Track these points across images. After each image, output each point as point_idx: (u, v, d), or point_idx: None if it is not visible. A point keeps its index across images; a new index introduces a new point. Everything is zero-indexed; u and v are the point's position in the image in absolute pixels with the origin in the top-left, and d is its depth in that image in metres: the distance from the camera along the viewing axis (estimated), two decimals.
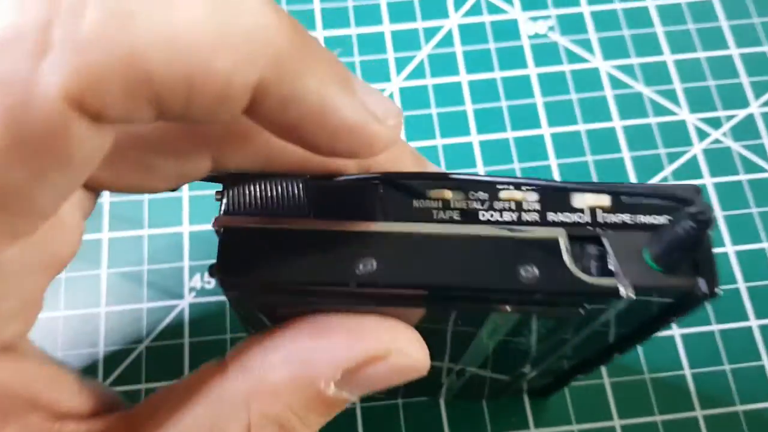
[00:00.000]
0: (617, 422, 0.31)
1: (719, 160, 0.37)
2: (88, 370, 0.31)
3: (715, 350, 0.33)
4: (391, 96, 0.38)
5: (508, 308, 0.17)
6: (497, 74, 0.39)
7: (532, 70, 0.39)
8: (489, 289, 0.16)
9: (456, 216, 0.17)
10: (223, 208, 0.17)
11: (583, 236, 0.17)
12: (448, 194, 0.17)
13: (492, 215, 0.17)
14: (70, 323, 0.32)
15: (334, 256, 0.16)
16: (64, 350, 0.32)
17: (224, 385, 0.17)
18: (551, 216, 0.17)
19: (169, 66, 0.12)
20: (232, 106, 0.13)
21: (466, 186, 0.18)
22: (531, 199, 0.17)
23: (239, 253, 0.16)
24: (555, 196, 0.17)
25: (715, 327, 0.33)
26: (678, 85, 0.39)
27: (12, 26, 0.11)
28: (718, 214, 0.35)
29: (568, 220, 0.17)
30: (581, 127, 0.37)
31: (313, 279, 0.16)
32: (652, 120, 0.38)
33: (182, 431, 0.17)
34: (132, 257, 0.34)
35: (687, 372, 0.32)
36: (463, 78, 0.39)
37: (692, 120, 0.38)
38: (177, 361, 0.31)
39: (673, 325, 0.33)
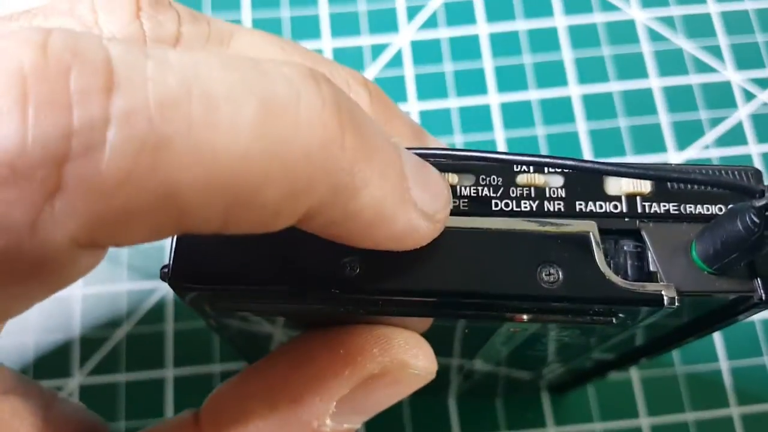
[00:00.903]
0: (644, 420, 0.28)
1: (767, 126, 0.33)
2: (62, 358, 0.29)
3: (755, 340, 0.30)
4: (399, 52, 0.34)
5: (524, 318, 0.14)
6: (520, 25, 0.35)
7: (560, 21, 0.35)
8: (501, 296, 0.14)
9: (463, 205, 0.15)
10: None
11: (618, 230, 0.14)
12: (454, 178, 0.15)
13: (507, 204, 0.15)
14: (44, 305, 0.29)
15: (312, 256, 0.14)
16: (36, 334, 0.29)
17: None
18: (580, 205, 0.15)
19: (207, 202, 0.10)
20: (269, 230, 0.11)
21: (476, 168, 0.15)
22: (555, 184, 0.15)
23: (199, 251, 0.14)
24: (584, 181, 0.15)
25: (755, 316, 0.30)
26: (723, 41, 0.34)
27: (14, 155, 0.09)
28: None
29: (600, 210, 0.14)
30: (614, 87, 0.33)
31: (287, 284, 0.14)
32: (693, 79, 0.34)
33: None
34: None
35: (723, 365, 0.29)
36: (482, 29, 0.35)
37: (738, 80, 0.34)
38: (159, 350, 0.28)
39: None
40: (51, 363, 0.29)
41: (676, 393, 0.29)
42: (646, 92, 0.33)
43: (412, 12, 0.35)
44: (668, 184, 0.15)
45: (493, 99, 0.33)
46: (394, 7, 0.35)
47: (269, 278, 0.14)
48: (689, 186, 0.15)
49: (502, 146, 0.32)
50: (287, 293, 0.14)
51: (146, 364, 0.28)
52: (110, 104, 0.09)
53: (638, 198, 0.15)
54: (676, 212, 0.14)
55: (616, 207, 0.14)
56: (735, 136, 0.33)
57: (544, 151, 0.32)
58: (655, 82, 0.34)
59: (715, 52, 0.34)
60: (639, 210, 0.14)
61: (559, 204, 0.15)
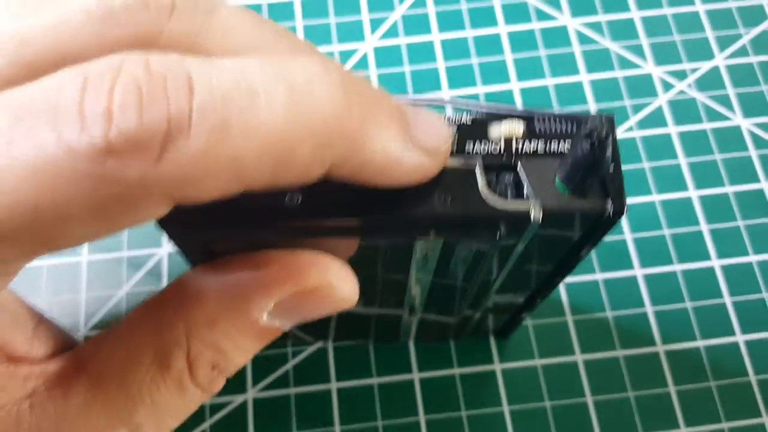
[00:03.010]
0: (579, 357, 0.32)
1: (684, 110, 0.38)
2: (70, 316, 0.33)
3: (677, 288, 0.34)
4: (365, 57, 0.39)
5: (430, 236, 0.18)
6: (468, 33, 0.40)
7: (502, 29, 0.40)
8: (407, 217, 0.17)
9: None
10: None
11: (498, 165, 0.17)
12: None
13: None
14: (53, 271, 0.34)
15: (263, 196, 0.16)
16: (47, 296, 0.33)
17: (164, 316, 0.18)
18: (469, 146, 0.18)
19: (259, 162, 0.13)
20: (308, 180, 0.15)
21: None
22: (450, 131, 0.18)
23: None
24: (472, 128, 0.18)
25: (677, 267, 0.34)
26: (644, 41, 0.40)
27: (137, 129, 0.12)
28: (683, 161, 0.36)
29: (484, 150, 0.18)
30: (549, 82, 0.38)
31: (241, 212, 0.17)
32: (618, 73, 0.39)
33: (126, 359, 0.17)
34: None
35: (648, 309, 0.33)
36: (435, 37, 0.40)
37: (658, 73, 0.39)
38: None
39: (635, 265, 0.34)
40: (59, 320, 0.33)
41: (607, 334, 0.33)
42: (577, 85, 0.38)
43: (375, 23, 0.40)
44: (536, 128, 0.18)
45: (446, 94, 0.38)
46: (361, 19, 0.40)
47: (230, 217, 0.17)
48: (553, 129, 0.18)
49: None
50: (245, 226, 0.17)
51: None
52: (192, 100, 0.13)
53: (514, 139, 0.18)
54: (544, 150, 0.17)
55: (496, 148, 0.18)
56: (655, 120, 0.37)
57: None
58: (585, 77, 0.39)
59: (638, 50, 0.39)
60: (514, 149, 0.18)
61: (453, 146, 0.18)
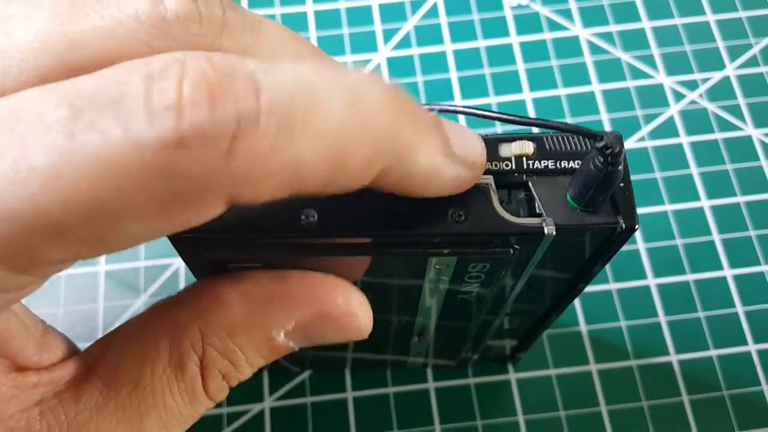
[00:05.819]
0: (593, 367, 0.33)
1: (695, 120, 0.38)
2: (88, 325, 0.33)
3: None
4: (378, 67, 0.40)
5: (444, 251, 0.18)
6: (481, 43, 0.40)
7: (514, 39, 0.40)
8: (422, 234, 0.17)
9: None
10: None
11: (510, 183, 0.18)
12: None
13: None
14: (73, 282, 0.34)
15: (279, 208, 0.16)
16: (65, 306, 0.33)
17: (180, 319, 0.18)
18: None
19: (318, 164, 0.13)
20: (357, 187, 0.14)
21: None
22: None
23: None
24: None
25: (690, 277, 0.34)
26: (655, 51, 0.40)
27: (209, 123, 0.12)
28: (695, 171, 0.37)
29: (496, 168, 0.18)
30: (561, 92, 0.39)
31: (259, 231, 0.17)
32: (630, 84, 0.39)
33: (139, 361, 0.17)
34: None
35: (662, 319, 0.34)
36: (448, 47, 0.40)
37: (669, 83, 0.39)
38: None
39: (649, 275, 0.34)
40: (78, 329, 0.33)
41: (621, 343, 0.33)
42: (589, 95, 0.39)
43: (388, 34, 0.41)
44: (546, 146, 0.18)
45: (459, 104, 0.38)
46: (374, 30, 0.41)
47: (243, 229, 0.17)
48: (563, 147, 0.18)
49: None
50: (258, 240, 0.17)
51: None
52: (260, 98, 0.12)
53: (524, 158, 0.18)
54: (554, 167, 0.18)
55: (507, 165, 0.18)
56: (667, 130, 0.38)
57: None
58: (596, 87, 0.39)
59: (649, 60, 0.40)
60: (525, 167, 0.18)
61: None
